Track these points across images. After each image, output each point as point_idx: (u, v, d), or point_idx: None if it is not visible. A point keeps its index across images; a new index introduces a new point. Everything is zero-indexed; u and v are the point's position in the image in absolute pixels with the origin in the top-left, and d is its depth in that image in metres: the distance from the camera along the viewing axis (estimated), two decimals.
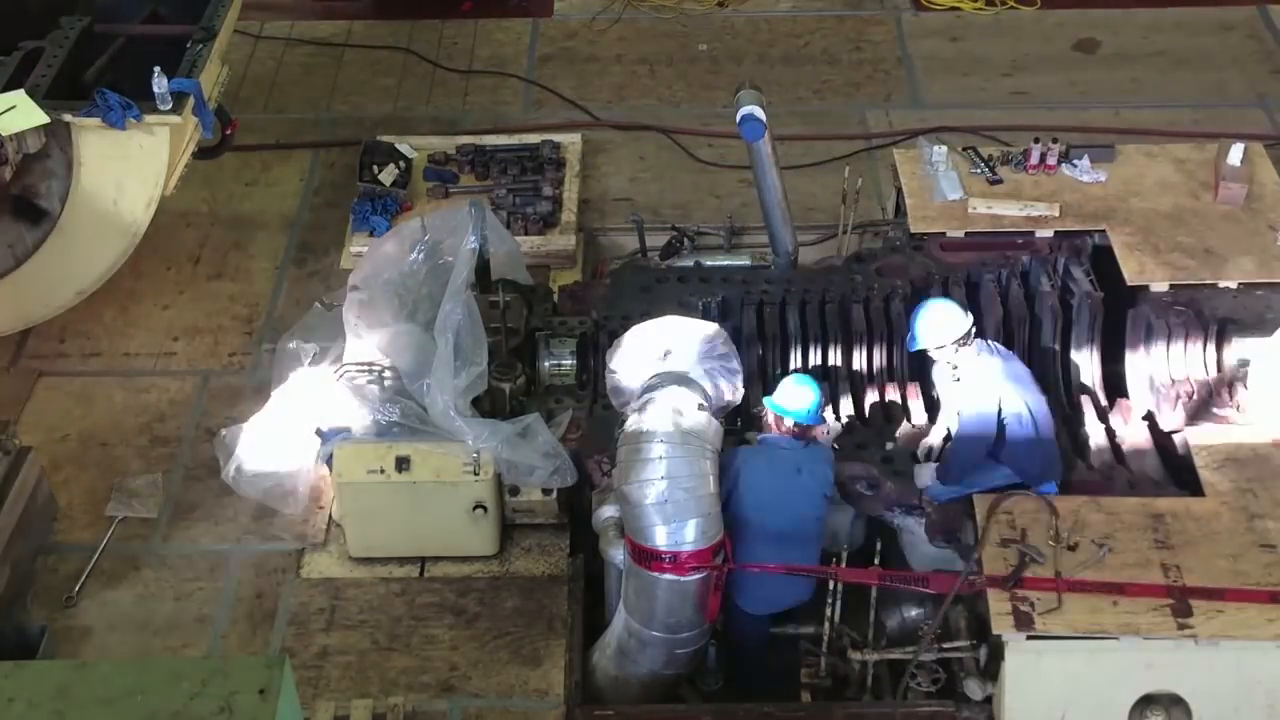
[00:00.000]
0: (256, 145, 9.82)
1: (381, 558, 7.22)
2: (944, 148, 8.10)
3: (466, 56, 10.86)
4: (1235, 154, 7.90)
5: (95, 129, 7.64)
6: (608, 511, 6.59)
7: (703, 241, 8.69)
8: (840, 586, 6.41)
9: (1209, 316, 7.31)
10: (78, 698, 4.49)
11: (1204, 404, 7.05)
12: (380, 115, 10.22)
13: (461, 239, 7.43)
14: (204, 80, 7.99)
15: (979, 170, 8.09)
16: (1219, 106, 10.12)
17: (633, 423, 6.22)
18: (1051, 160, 8.09)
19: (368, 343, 7.33)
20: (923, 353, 6.92)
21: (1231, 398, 7.09)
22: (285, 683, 4.55)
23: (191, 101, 7.79)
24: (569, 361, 7.42)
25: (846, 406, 7.19)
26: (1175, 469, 6.83)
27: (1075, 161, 8.11)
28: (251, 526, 7.44)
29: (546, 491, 7.07)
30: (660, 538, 6.08)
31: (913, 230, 7.85)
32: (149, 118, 7.63)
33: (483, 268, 7.53)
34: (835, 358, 7.43)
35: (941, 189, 7.92)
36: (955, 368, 6.76)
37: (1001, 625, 6.01)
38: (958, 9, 11.26)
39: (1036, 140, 8.17)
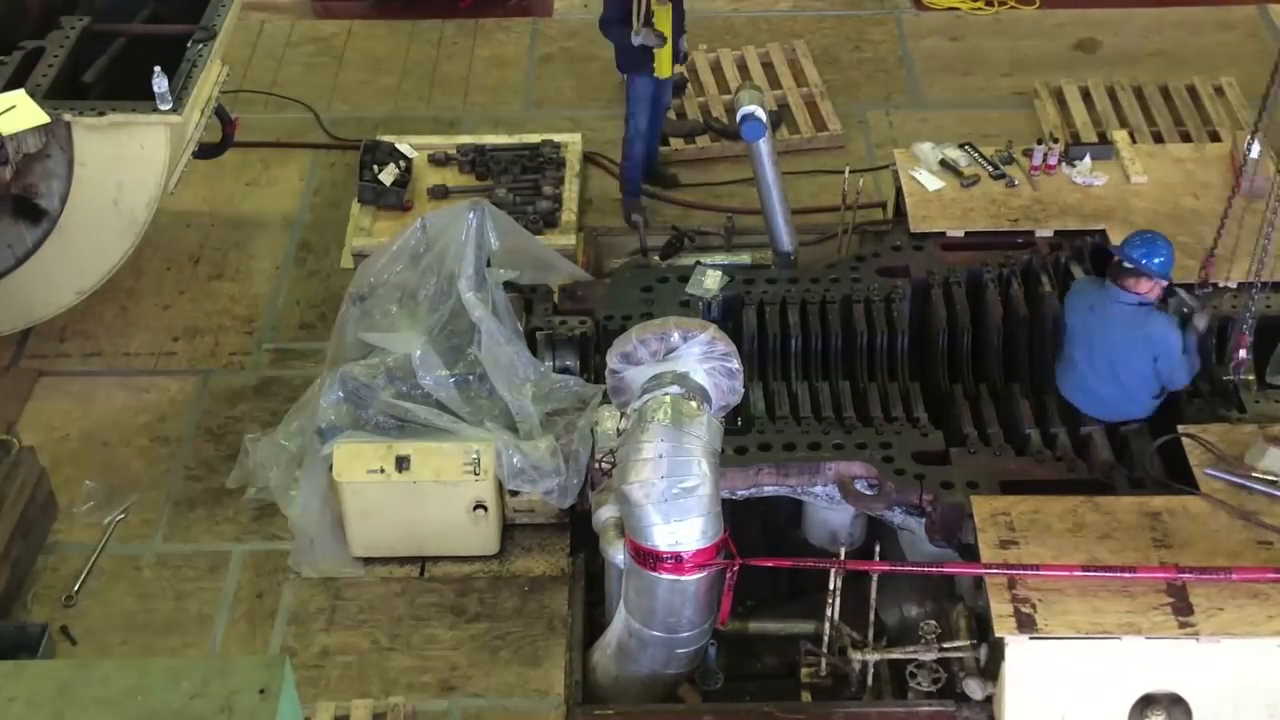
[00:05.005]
0: (257, 143, 9.83)
1: (382, 557, 7.22)
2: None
3: (467, 56, 10.86)
4: (1255, 147, 7.90)
5: (95, 129, 7.64)
6: (608, 511, 6.59)
7: (703, 241, 8.69)
8: (840, 584, 6.42)
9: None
10: (78, 698, 4.49)
11: None
12: (380, 115, 10.23)
13: (461, 238, 7.44)
14: (204, 80, 8.00)
15: (981, 168, 8.11)
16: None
17: (633, 423, 6.22)
18: (1052, 160, 8.09)
19: (369, 343, 7.35)
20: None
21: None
22: (285, 683, 4.55)
23: (192, 101, 7.78)
24: (569, 362, 7.43)
25: (847, 407, 7.19)
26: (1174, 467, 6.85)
27: (1075, 162, 8.11)
28: (251, 526, 7.44)
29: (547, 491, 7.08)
30: (660, 538, 6.07)
31: (913, 230, 7.86)
32: (149, 117, 7.63)
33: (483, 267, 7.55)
34: (836, 357, 7.43)
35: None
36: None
37: (1003, 626, 6.01)
38: (957, 9, 11.27)
39: (1039, 141, 8.17)
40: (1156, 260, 6.78)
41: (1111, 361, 6.89)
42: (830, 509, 6.96)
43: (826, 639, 6.51)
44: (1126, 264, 6.80)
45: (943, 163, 8.16)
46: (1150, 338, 6.81)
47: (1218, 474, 6.57)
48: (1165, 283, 6.88)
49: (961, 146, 8.32)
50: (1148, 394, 6.97)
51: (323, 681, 6.73)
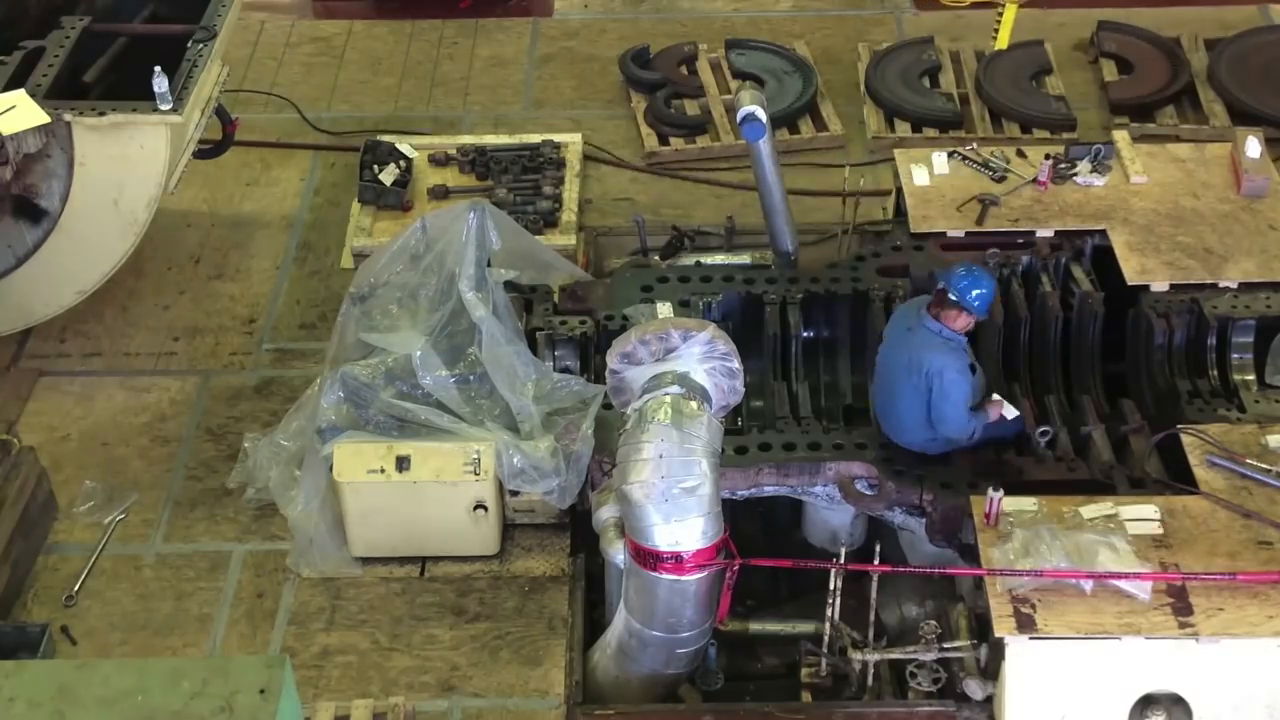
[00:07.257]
0: (257, 143, 9.83)
1: (382, 557, 7.23)
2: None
3: (467, 56, 10.87)
4: (1253, 146, 7.93)
5: (95, 129, 7.64)
6: (608, 511, 6.60)
7: (703, 241, 8.69)
8: (840, 585, 6.42)
9: (1209, 316, 7.31)
10: (78, 698, 4.50)
11: None
12: (380, 115, 10.23)
13: (461, 238, 7.45)
14: (204, 80, 8.00)
15: (981, 170, 8.12)
16: None
17: (633, 423, 6.23)
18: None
19: (369, 343, 7.35)
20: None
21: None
22: (285, 682, 4.56)
23: (192, 101, 7.78)
24: (570, 362, 7.43)
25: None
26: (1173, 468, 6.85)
27: (1075, 162, 8.11)
28: (251, 526, 7.44)
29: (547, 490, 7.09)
30: (660, 538, 6.08)
31: (913, 230, 7.86)
32: (149, 117, 7.63)
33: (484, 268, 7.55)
34: (836, 357, 7.45)
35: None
36: None
37: (1003, 627, 6.01)
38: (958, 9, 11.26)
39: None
40: (974, 293, 6.53)
41: (892, 383, 6.70)
42: (830, 509, 6.96)
43: (826, 639, 6.51)
44: (947, 292, 6.57)
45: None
46: (929, 365, 6.53)
47: (1219, 461, 6.57)
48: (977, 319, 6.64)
49: (963, 146, 8.32)
50: (918, 426, 6.70)
51: (323, 681, 6.73)
